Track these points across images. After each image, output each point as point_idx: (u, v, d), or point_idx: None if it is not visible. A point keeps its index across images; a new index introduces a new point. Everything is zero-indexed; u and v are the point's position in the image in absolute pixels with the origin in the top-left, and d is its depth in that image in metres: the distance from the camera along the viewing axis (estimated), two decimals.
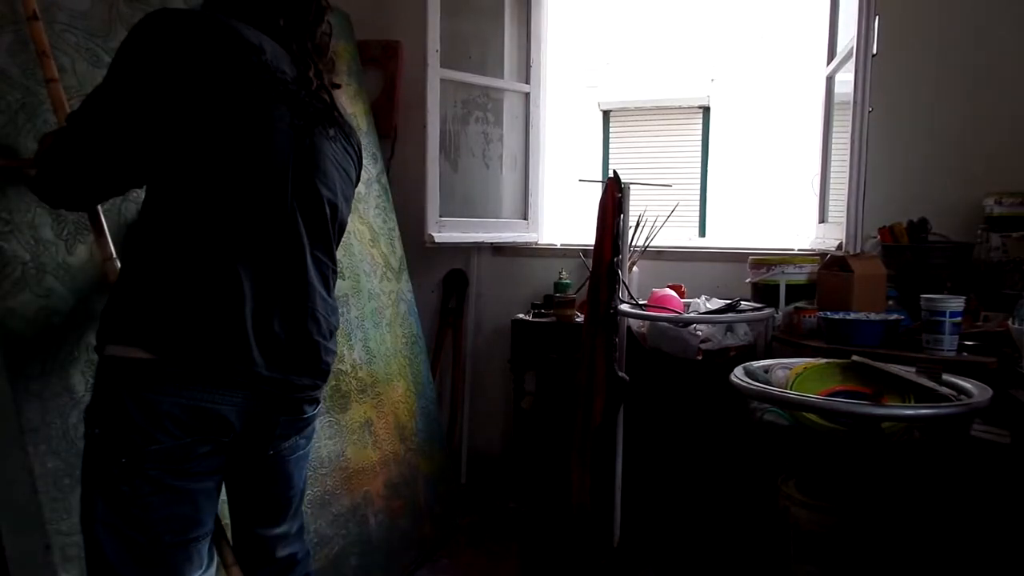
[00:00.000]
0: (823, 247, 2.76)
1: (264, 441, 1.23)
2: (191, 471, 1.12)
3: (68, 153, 1.14)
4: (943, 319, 1.96)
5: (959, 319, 1.98)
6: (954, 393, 1.59)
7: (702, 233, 5.35)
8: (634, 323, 2.57)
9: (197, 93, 1.08)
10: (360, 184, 1.49)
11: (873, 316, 2.12)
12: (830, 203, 2.89)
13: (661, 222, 3.00)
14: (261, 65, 1.13)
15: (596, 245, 2.39)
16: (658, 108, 5.93)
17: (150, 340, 1.08)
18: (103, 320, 1.15)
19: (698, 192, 5.50)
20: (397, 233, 2.85)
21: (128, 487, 1.08)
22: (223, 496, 1.29)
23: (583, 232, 3.24)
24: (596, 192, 2.75)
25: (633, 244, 2.83)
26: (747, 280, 2.66)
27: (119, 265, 1.46)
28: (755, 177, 5.50)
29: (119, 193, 1.28)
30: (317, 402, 1.32)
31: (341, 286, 2.35)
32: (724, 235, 4.91)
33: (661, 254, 3.06)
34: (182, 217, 1.11)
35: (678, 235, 3.54)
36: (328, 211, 1.25)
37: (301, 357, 1.20)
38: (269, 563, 1.36)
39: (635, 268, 2.96)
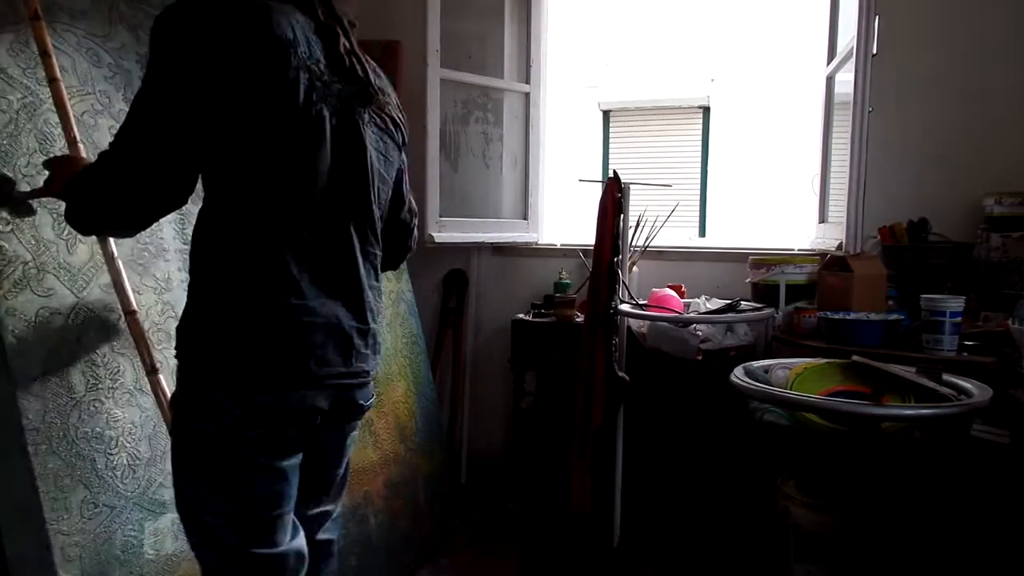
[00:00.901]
0: (823, 247, 2.76)
1: (342, 424, 1.31)
2: (283, 450, 1.18)
3: (119, 170, 1.09)
4: (943, 319, 1.96)
5: (959, 319, 1.98)
6: (954, 393, 1.59)
7: (702, 233, 5.35)
8: (634, 323, 2.57)
9: (237, 100, 1.06)
10: None
11: (873, 316, 2.12)
12: (830, 203, 2.89)
13: (661, 222, 3.00)
14: (298, 63, 1.10)
15: (596, 245, 2.39)
16: (658, 108, 5.93)
17: (241, 366, 1.12)
18: (188, 335, 1.16)
19: (698, 192, 5.51)
20: None
21: (228, 471, 1.14)
22: None
23: (583, 232, 3.24)
24: (596, 192, 2.75)
25: (633, 244, 2.83)
26: (747, 280, 2.66)
27: (120, 265, 1.47)
28: (755, 177, 5.50)
29: (169, 211, 1.17)
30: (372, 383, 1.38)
31: None
32: (724, 235, 4.91)
33: (661, 254, 3.06)
34: (247, 231, 1.12)
35: (678, 235, 3.54)
36: (374, 204, 1.26)
37: (366, 347, 1.27)
38: (308, 545, 1.38)
39: (635, 268, 2.96)
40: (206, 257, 1.15)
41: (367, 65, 1.26)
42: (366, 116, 1.24)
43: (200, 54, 1.05)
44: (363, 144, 1.23)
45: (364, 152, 1.23)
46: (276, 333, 1.13)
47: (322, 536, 1.40)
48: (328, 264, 1.19)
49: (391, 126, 1.32)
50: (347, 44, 1.21)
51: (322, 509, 1.39)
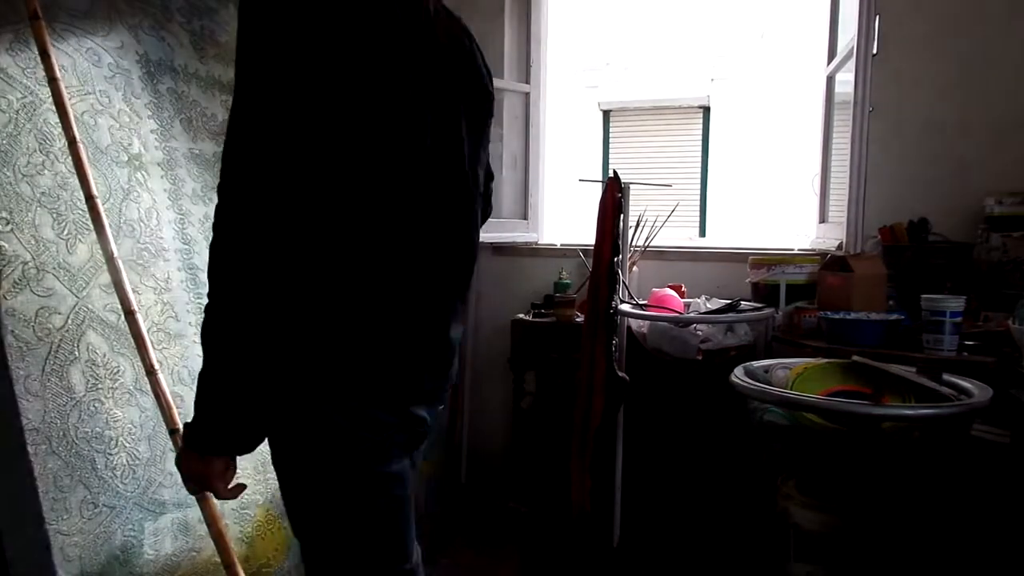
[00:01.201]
0: (823, 247, 2.76)
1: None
2: (394, 456, 1.11)
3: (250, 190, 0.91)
4: (943, 319, 1.96)
5: (959, 319, 1.97)
6: (954, 393, 1.59)
7: (702, 233, 5.36)
8: (634, 323, 2.57)
9: (350, 95, 0.95)
10: None
11: (873, 316, 2.12)
12: (830, 203, 2.89)
13: (661, 222, 3.00)
14: (409, 58, 0.99)
15: (596, 245, 2.39)
16: (658, 108, 5.94)
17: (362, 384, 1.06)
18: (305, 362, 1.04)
19: (698, 192, 5.52)
20: None
21: (353, 484, 1.07)
22: None
23: (583, 232, 3.24)
24: (596, 192, 2.75)
25: (633, 244, 2.83)
26: (747, 280, 2.66)
27: (120, 265, 1.47)
28: (755, 177, 5.51)
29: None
30: None
31: None
32: (724, 235, 4.92)
33: (661, 254, 3.06)
34: (372, 254, 1.02)
35: (678, 235, 3.54)
36: (476, 200, 1.18)
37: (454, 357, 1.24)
38: None
39: (635, 268, 2.96)
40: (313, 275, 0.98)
41: (457, 35, 1.12)
42: (462, 107, 1.11)
43: (312, 36, 0.91)
44: (461, 148, 1.11)
45: (462, 156, 1.11)
46: (415, 351, 1.09)
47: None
48: (440, 274, 1.11)
49: (484, 101, 1.18)
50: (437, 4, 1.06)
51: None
